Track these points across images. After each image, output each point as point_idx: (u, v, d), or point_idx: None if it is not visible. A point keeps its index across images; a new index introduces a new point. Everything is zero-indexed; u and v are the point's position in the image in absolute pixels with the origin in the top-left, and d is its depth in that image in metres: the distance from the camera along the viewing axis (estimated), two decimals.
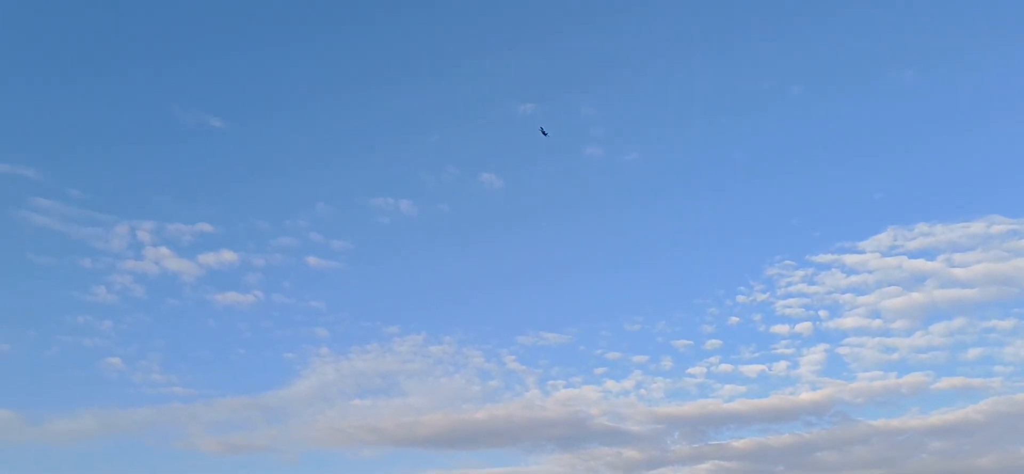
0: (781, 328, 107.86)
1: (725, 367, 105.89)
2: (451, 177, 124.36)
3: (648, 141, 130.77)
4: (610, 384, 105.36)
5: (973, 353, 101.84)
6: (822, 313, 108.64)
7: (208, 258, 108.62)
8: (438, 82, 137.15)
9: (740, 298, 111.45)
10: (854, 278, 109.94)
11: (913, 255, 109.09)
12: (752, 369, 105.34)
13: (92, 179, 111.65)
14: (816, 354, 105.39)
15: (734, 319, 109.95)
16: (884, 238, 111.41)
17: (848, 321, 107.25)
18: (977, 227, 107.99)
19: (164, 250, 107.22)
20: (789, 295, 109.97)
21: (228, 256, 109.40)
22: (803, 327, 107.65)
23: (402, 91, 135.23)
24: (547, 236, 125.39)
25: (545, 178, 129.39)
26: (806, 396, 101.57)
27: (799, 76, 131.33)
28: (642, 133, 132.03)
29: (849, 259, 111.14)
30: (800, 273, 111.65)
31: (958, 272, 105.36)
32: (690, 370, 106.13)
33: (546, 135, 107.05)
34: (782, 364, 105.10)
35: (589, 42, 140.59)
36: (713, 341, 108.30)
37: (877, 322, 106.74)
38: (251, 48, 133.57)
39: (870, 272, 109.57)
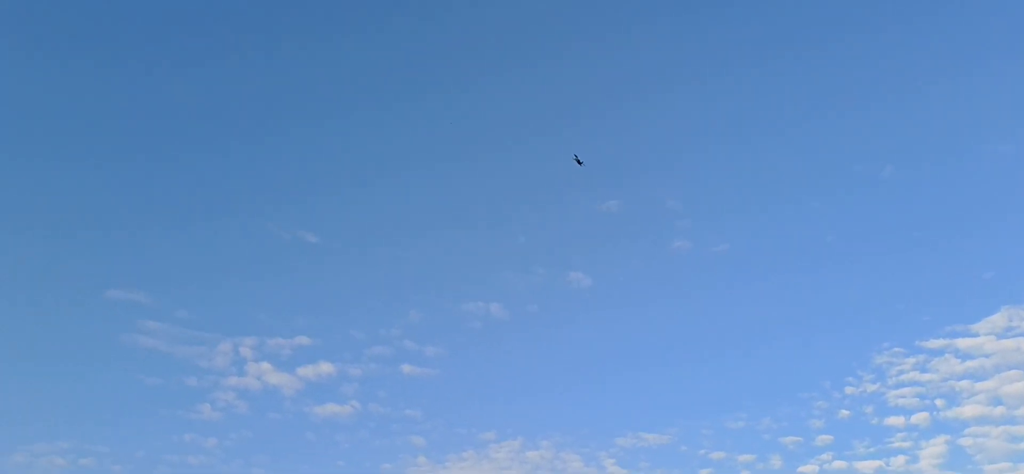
0: (896, 420, 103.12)
1: (839, 464, 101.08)
2: (539, 277, 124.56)
3: (737, 230, 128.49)
4: None
5: None
6: (939, 402, 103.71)
7: (307, 371, 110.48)
8: (522, 184, 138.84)
9: (849, 389, 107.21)
10: (970, 363, 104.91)
11: None
12: (868, 465, 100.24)
13: (196, 299, 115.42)
14: (936, 446, 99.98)
15: (844, 412, 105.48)
16: (998, 319, 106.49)
17: (968, 410, 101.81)
18: None
19: (265, 365, 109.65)
20: (901, 384, 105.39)
21: (326, 368, 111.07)
22: (919, 418, 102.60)
23: (486, 195, 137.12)
24: (640, 333, 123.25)
25: (634, 273, 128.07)
26: None
27: (891, 155, 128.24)
28: (731, 222, 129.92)
29: (962, 343, 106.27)
30: (911, 360, 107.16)
31: None
32: (801, 469, 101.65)
33: (582, 164, 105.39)
34: (900, 459, 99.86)
35: (669, 134, 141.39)
36: (824, 437, 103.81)
37: (999, 409, 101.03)
38: (339, 164, 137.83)
39: (986, 356, 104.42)
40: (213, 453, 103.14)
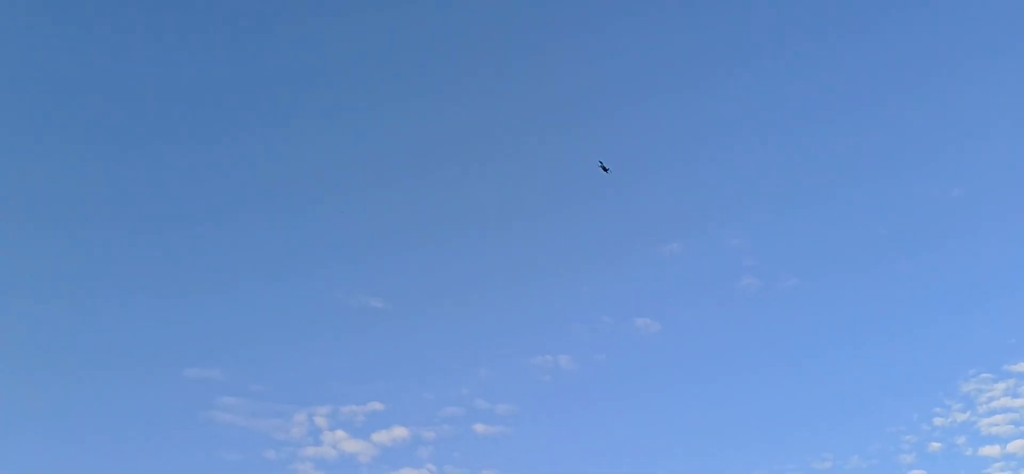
0: (991, 450, 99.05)
1: None
2: (606, 326, 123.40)
3: (806, 264, 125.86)
4: None
5: None
6: None
7: (381, 436, 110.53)
8: (582, 231, 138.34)
9: (937, 421, 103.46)
10: None
11: None
12: None
13: (270, 372, 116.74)
14: None
15: (935, 445, 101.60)
16: None
17: None
18: None
19: (340, 433, 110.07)
20: (993, 411, 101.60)
21: (399, 432, 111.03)
22: (1016, 446, 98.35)
23: (547, 246, 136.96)
24: (714, 377, 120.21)
25: (701, 315, 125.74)
26: None
27: (960, 174, 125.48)
28: (798, 256, 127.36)
29: None
30: (1001, 386, 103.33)
31: None
32: None
33: (607, 171, 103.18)
34: None
35: (730, 169, 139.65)
36: (916, 472, 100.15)
37: None
38: (398, 227, 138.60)
39: None
40: None
